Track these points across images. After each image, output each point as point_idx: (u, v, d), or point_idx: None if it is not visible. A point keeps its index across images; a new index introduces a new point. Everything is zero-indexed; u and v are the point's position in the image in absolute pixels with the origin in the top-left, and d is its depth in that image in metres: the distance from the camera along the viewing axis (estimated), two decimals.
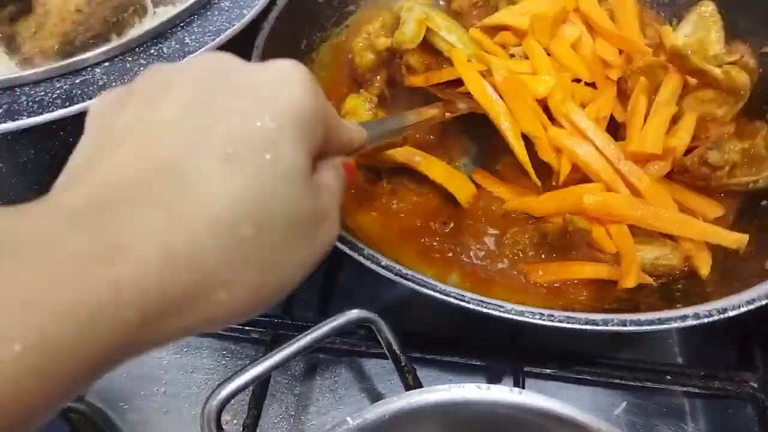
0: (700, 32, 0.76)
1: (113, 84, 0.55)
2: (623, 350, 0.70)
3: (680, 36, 0.78)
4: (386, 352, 0.52)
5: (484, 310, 0.47)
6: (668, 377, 0.66)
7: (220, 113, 0.30)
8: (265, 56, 0.70)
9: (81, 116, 0.54)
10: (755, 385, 0.65)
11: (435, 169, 0.69)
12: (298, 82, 0.32)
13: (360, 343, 0.67)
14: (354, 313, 0.51)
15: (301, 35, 0.81)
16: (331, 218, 0.35)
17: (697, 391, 0.66)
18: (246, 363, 0.54)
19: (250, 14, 0.62)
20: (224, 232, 0.28)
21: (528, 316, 0.47)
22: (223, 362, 0.73)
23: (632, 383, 0.66)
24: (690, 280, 0.62)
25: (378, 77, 0.78)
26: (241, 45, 0.69)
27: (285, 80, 0.32)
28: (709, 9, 0.77)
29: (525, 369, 0.64)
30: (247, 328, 0.70)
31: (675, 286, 0.62)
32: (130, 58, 0.57)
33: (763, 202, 0.68)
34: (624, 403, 0.69)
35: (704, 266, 0.62)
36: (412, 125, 0.61)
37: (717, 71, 0.69)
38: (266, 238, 0.29)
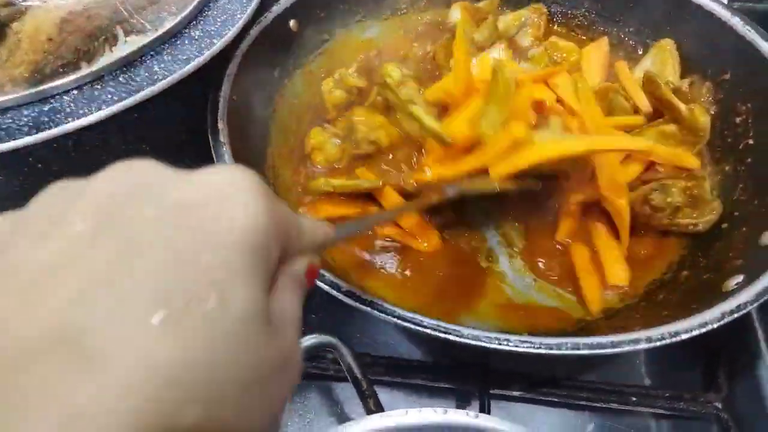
0: (658, 66, 0.79)
1: (81, 112, 0.55)
2: (591, 372, 0.71)
3: (638, 70, 0.81)
4: (347, 376, 0.52)
5: (441, 335, 0.48)
6: (634, 399, 0.67)
7: (137, 252, 0.22)
8: (237, 84, 0.71)
9: (49, 143, 0.55)
10: (719, 406, 0.66)
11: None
12: (244, 197, 0.25)
13: (329, 367, 0.67)
14: (314, 338, 0.51)
15: (274, 64, 0.82)
16: (294, 356, 0.28)
17: (663, 412, 0.67)
18: None
19: (219, 43, 0.63)
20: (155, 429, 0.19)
21: (484, 341, 0.48)
22: None
23: (599, 405, 0.66)
24: (649, 303, 0.63)
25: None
26: (213, 72, 0.70)
27: (226, 197, 0.25)
28: (667, 45, 0.82)
29: (492, 391, 0.65)
30: None
31: (635, 309, 0.63)
32: (98, 86, 0.58)
33: (724, 225, 0.70)
34: (592, 425, 0.69)
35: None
36: (390, 218, 0.59)
37: (682, 106, 0.72)
38: (218, 415, 0.21)
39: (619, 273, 0.66)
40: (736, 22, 0.78)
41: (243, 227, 0.24)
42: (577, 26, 0.96)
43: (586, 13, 0.95)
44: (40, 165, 0.59)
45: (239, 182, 0.25)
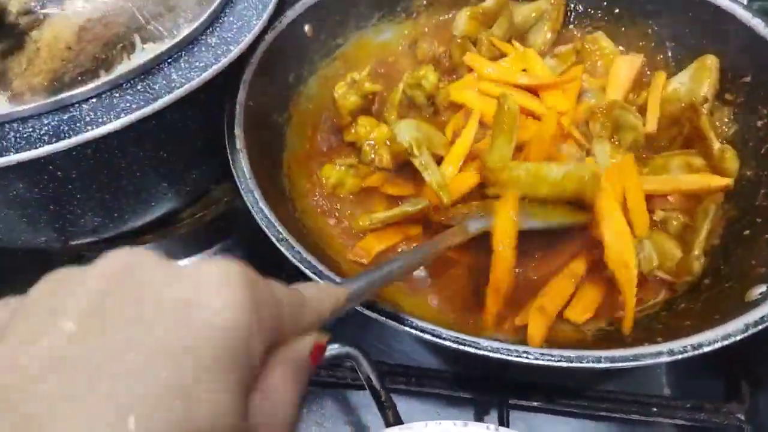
0: (694, 83, 0.78)
1: (100, 120, 0.56)
2: (611, 382, 0.70)
3: (674, 82, 0.80)
4: (366, 386, 0.52)
5: (460, 347, 0.47)
6: (655, 409, 0.66)
7: (116, 357, 0.22)
8: (252, 90, 0.71)
9: (68, 151, 0.55)
10: (742, 417, 0.65)
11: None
12: (226, 296, 0.25)
13: (346, 376, 0.67)
14: (334, 348, 0.51)
15: (289, 69, 0.82)
16: None
17: (684, 423, 0.66)
18: None
19: (236, 50, 0.63)
20: None
21: (503, 353, 0.47)
22: None
23: (619, 415, 0.66)
24: (670, 312, 0.62)
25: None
26: (229, 78, 0.70)
27: (203, 295, 0.24)
28: (710, 61, 0.79)
29: (511, 402, 0.64)
30: None
31: (656, 319, 0.62)
32: (117, 94, 0.58)
33: (746, 233, 0.69)
34: None
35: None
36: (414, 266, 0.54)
37: (716, 144, 0.71)
38: None
39: (577, 311, 0.63)
40: (757, 23, 0.76)
41: (220, 328, 0.24)
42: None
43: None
44: (59, 173, 0.59)
45: (223, 279, 0.25)
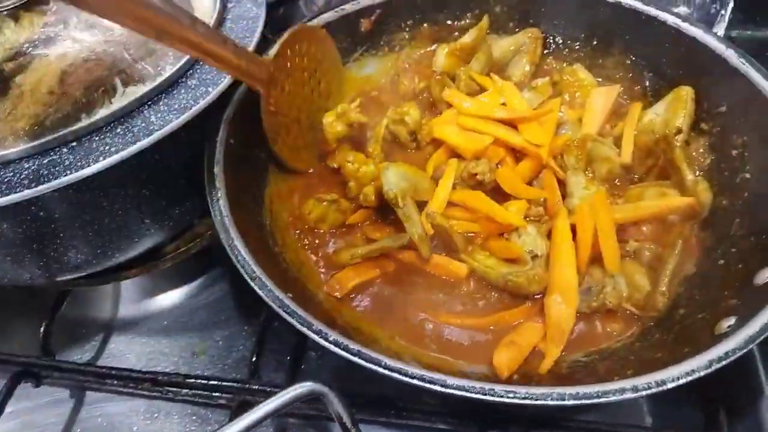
0: (669, 114, 0.79)
1: (79, 164, 0.57)
2: (591, 412, 0.70)
3: (650, 113, 0.81)
4: (338, 424, 0.52)
5: (427, 386, 0.48)
6: None
7: None
8: (234, 127, 0.73)
9: (50, 193, 0.57)
10: None
11: None
12: None
13: (326, 408, 0.67)
14: (303, 387, 0.52)
15: None
16: None
17: None
18: (215, 428, 0.55)
19: (214, 92, 0.65)
20: None
21: (470, 391, 0.48)
22: (193, 428, 0.74)
23: None
24: (644, 342, 0.63)
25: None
26: (212, 115, 0.72)
27: None
28: (684, 93, 0.80)
29: None
30: (214, 394, 0.71)
31: (630, 349, 0.63)
32: (97, 138, 0.60)
33: (720, 262, 0.69)
34: None
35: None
36: None
37: (689, 177, 0.72)
38: None
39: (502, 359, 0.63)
40: (731, 54, 0.78)
41: None
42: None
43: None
44: (42, 213, 0.61)
45: None
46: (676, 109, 0.79)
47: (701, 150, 0.80)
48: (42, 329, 0.79)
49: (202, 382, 0.71)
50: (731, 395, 0.68)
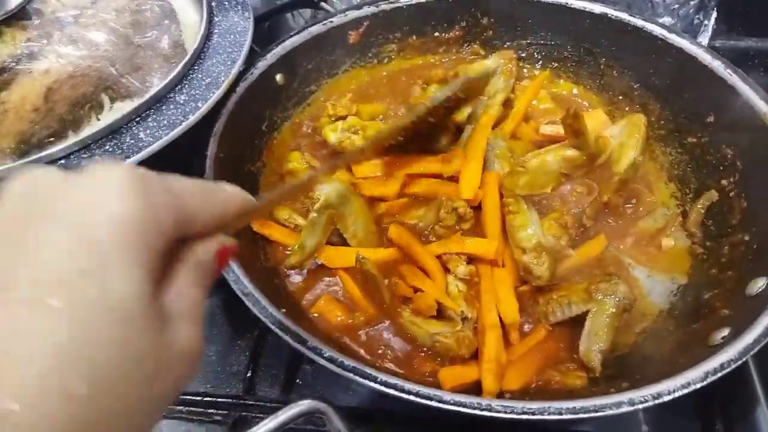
0: (624, 137, 0.80)
1: None
2: (588, 422, 0.70)
3: (607, 134, 0.81)
4: None
5: (424, 402, 0.48)
6: None
7: (31, 250, 0.26)
8: (224, 142, 0.72)
9: None
10: None
11: None
12: (116, 190, 0.28)
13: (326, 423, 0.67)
14: (303, 405, 0.51)
15: (262, 118, 0.84)
16: (187, 351, 0.30)
17: None
18: None
19: (204, 107, 0.64)
20: (48, 398, 0.23)
21: (467, 407, 0.48)
22: None
23: None
24: (638, 355, 0.63)
25: None
26: (202, 130, 0.71)
27: (101, 193, 0.28)
28: (638, 120, 0.82)
29: None
30: (209, 411, 0.70)
31: (624, 363, 0.63)
32: (85, 155, 0.59)
33: (712, 271, 0.70)
34: None
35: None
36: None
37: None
38: (104, 393, 0.25)
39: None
40: (718, 66, 0.78)
41: (119, 220, 0.27)
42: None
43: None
44: None
45: (116, 178, 0.28)
46: (631, 132, 0.81)
47: (690, 162, 0.81)
48: None
49: (197, 398, 0.69)
50: (727, 404, 0.68)
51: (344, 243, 0.72)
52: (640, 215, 0.80)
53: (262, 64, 0.82)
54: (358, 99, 0.92)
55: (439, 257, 0.69)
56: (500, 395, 0.59)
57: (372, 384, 0.50)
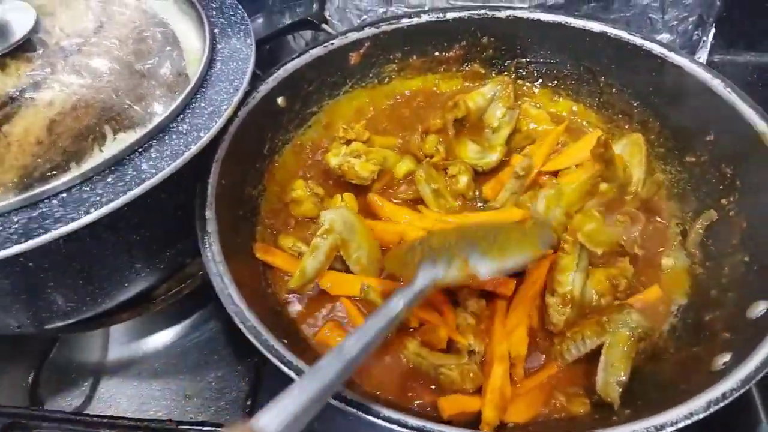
0: (627, 156, 0.81)
1: (70, 216, 0.56)
2: None
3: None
4: None
5: None
6: None
7: None
8: (226, 167, 0.73)
9: (40, 247, 0.56)
10: None
11: None
12: None
13: None
14: None
15: (263, 141, 0.84)
16: None
17: None
18: None
19: (206, 137, 0.64)
20: None
21: None
22: None
23: None
24: (637, 380, 0.63)
25: None
26: (203, 158, 0.72)
27: None
28: (638, 139, 0.84)
29: None
30: None
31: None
32: (87, 188, 0.59)
33: (713, 292, 0.70)
34: None
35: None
36: None
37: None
38: None
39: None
40: (717, 84, 0.79)
41: None
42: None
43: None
44: (30, 264, 0.60)
45: None
46: (633, 152, 0.82)
47: (689, 180, 0.82)
48: (30, 378, 0.78)
49: (197, 428, 0.69)
50: (730, 429, 0.68)
51: (348, 270, 0.73)
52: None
53: (264, 88, 0.82)
54: (371, 128, 0.92)
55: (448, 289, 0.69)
56: (502, 427, 0.59)
57: (375, 419, 0.50)
